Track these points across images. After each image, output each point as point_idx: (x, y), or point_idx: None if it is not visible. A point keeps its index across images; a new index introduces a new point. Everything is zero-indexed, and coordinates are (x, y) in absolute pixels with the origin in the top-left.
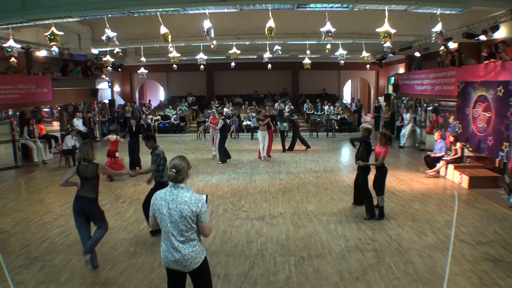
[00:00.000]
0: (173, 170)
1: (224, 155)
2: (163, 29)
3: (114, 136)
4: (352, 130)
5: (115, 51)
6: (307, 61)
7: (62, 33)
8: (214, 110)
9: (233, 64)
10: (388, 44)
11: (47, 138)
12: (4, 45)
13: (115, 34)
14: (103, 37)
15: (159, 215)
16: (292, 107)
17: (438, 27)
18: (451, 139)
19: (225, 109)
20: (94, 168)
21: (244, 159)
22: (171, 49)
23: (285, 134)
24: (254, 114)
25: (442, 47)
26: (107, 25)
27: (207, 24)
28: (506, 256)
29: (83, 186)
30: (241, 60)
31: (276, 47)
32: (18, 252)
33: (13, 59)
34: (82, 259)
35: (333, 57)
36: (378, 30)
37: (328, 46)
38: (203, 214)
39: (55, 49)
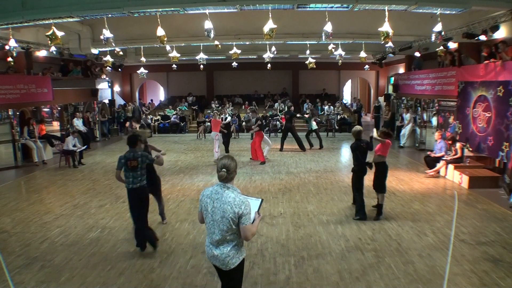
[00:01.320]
0: (224, 169)
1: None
2: (160, 31)
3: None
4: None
5: (118, 51)
6: (311, 60)
7: (63, 33)
8: (216, 111)
9: (235, 64)
10: (390, 44)
11: (47, 138)
12: (7, 46)
13: (111, 35)
14: (101, 37)
15: (204, 212)
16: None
17: (438, 27)
18: (449, 142)
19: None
20: (146, 148)
21: (244, 159)
22: (170, 48)
23: (312, 133)
24: (251, 114)
25: (441, 47)
26: (106, 25)
27: (208, 24)
28: (506, 256)
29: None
30: (241, 60)
31: (273, 48)
32: (18, 252)
33: (10, 59)
34: (82, 259)
35: (333, 57)
36: (380, 29)
37: (331, 46)
38: (245, 216)
39: (54, 49)
